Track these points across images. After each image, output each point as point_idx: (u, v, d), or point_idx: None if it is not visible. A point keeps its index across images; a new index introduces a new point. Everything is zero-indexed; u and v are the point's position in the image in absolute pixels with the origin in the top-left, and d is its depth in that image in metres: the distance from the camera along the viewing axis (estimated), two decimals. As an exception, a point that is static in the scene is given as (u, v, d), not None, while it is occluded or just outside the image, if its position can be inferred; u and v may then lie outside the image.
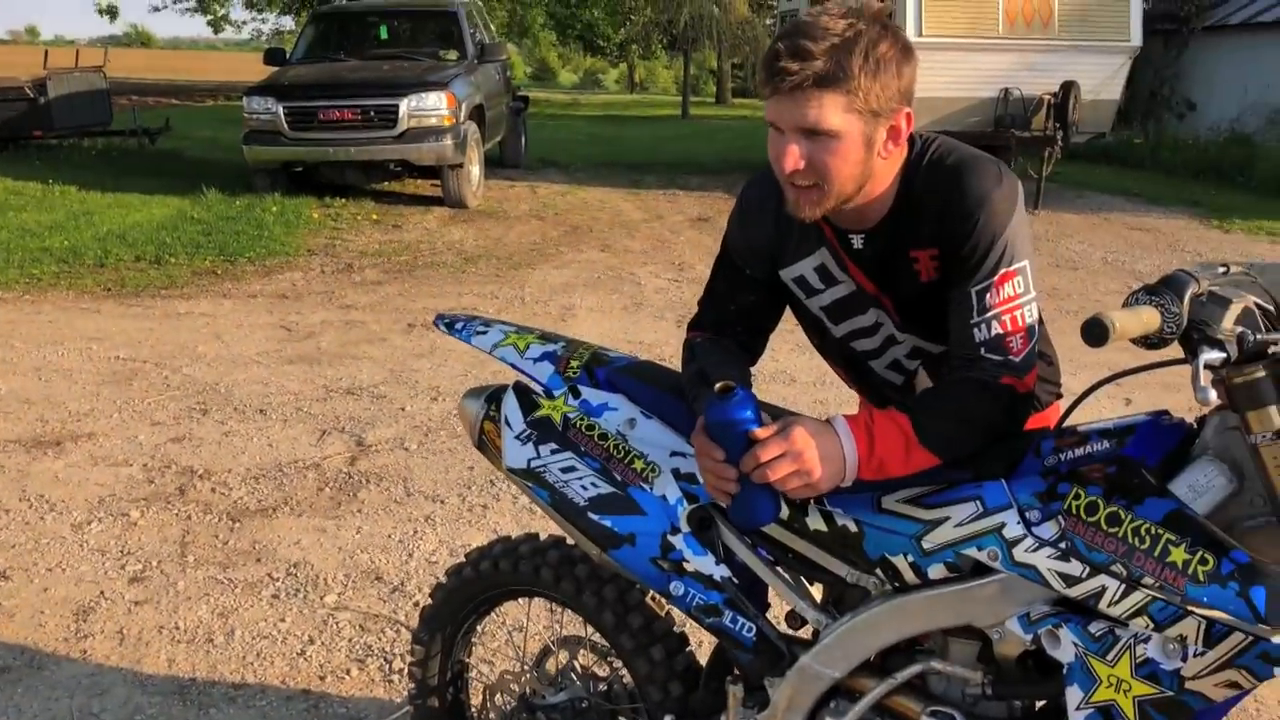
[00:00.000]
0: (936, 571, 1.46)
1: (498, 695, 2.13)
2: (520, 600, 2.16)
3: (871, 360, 1.78)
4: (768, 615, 1.68)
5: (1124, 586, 1.31)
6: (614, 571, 1.77)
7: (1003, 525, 1.40)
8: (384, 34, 11.58)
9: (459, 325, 1.96)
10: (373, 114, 9.50)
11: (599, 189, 11.62)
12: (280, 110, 9.49)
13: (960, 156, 1.55)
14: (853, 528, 1.52)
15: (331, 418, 4.52)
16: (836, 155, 1.45)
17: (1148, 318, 1.27)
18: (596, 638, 1.94)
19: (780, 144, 1.46)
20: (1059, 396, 1.84)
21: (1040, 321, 1.57)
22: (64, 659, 2.76)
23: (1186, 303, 1.28)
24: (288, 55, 11.28)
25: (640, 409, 1.73)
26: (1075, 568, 1.34)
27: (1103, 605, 1.33)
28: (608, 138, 18.66)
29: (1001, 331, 1.49)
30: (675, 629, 1.85)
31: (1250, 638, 1.24)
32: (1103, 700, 1.34)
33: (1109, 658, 1.33)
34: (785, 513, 1.56)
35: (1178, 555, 1.28)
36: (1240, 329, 1.26)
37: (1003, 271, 1.50)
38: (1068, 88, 9.94)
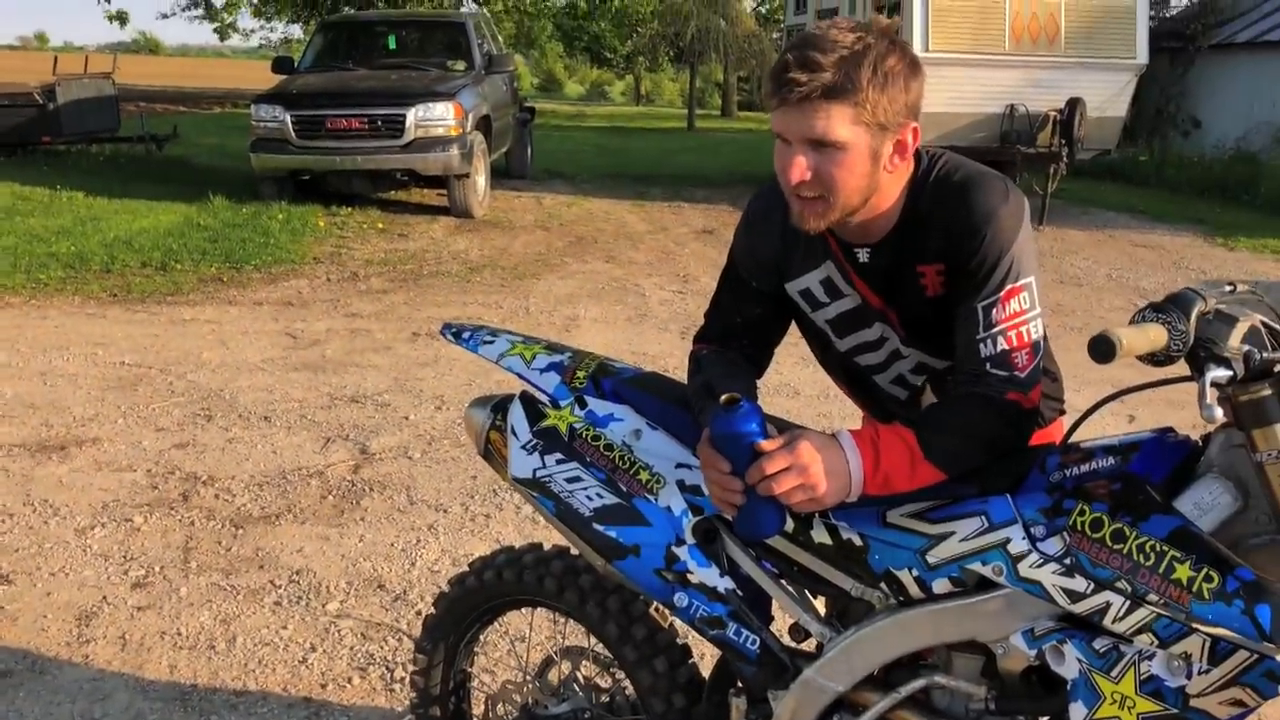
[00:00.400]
0: (941, 586, 1.46)
1: (500, 705, 2.12)
2: (523, 610, 2.16)
3: (876, 375, 1.78)
4: (771, 628, 1.68)
5: (1129, 603, 1.31)
6: (618, 582, 1.77)
7: (1008, 540, 1.40)
8: (392, 44, 11.61)
9: (466, 334, 1.96)
10: (380, 123, 9.53)
11: (604, 200, 11.63)
12: (288, 118, 9.53)
13: (967, 172, 1.55)
14: (857, 541, 1.52)
15: (335, 425, 4.53)
16: (842, 167, 1.46)
17: (1155, 335, 1.28)
18: (599, 649, 1.94)
19: (787, 155, 1.47)
20: (1062, 413, 1.84)
21: (1045, 337, 1.57)
22: (66, 664, 2.76)
23: (1193, 320, 1.29)
24: (296, 64, 11.32)
25: (646, 420, 1.73)
26: (1080, 584, 1.34)
27: (1107, 621, 1.33)
28: (613, 149, 18.69)
29: (1007, 347, 1.49)
30: (679, 641, 1.85)
31: (1255, 655, 1.24)
32: (1106, 717, 1.34)
33: (1113, 674, 1.33)
34: (790, 525, 1.56)
35: (1183, 572, 1.28)
36: (1247, 347, 1.27)
37: (1009, 287, 1.50)
38: (1073, 104, 9.95)
